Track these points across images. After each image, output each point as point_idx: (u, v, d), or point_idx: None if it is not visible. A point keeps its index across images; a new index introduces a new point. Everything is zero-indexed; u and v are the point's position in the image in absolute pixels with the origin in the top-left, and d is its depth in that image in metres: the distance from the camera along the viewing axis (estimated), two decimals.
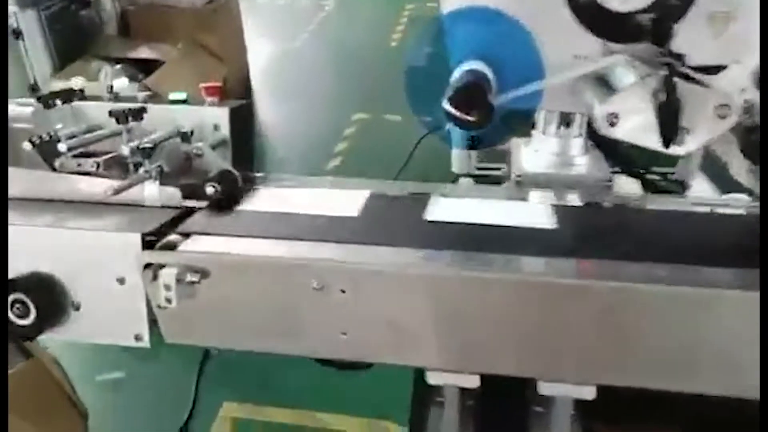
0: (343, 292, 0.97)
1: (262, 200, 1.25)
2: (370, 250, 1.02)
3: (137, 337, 1.12)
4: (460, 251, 1.00)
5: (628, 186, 1.55)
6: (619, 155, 1.60)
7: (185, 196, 1.22)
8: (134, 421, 2.27)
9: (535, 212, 1.18)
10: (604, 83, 1.09)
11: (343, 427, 2.24)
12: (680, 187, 1.55)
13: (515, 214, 1.17)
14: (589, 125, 1.46)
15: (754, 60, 1.05)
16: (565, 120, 1.43)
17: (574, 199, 1.26)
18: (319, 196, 1.29)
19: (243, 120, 1.50)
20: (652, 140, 0.90)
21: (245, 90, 5.08)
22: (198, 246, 1.05)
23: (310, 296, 0.98)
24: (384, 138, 4.22)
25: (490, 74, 1.08)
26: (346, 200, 1.25)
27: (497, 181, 1.73)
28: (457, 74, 1.10)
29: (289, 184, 1.36)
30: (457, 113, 0.94)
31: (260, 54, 5.54)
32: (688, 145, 0.90)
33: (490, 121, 0.95)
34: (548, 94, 1.15)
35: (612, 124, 0.91)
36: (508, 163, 1.60)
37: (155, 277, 1.00)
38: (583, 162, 1.46)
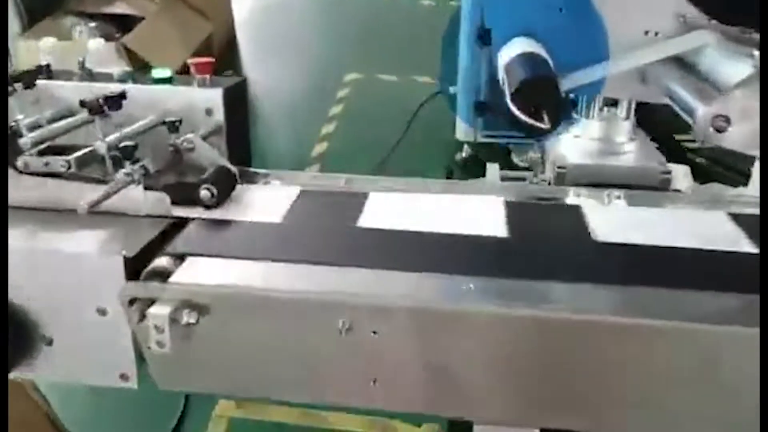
0: (375, 333, 0.79)
1: (266, 204, 1.06)
2: (410, 278, 0.83)
3: (123, 377, 0.94)
4: (521, 278, 0.82)
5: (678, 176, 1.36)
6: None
7: (175, 201, 1.02)
8: (127, 420, 2.12)
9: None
10: (685, 67, 0.90)
11: (346, 425, 2.10)
12: (744, 179, 1.35)
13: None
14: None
15: None
16: (610, 99, 1.24)
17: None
18: (334, 198, 1.09)
19: (239, 102, 1.29)
20: None
21: (231, 49, 4.79)
22: (195, 273, 0.85)
23: (334, 339, 0.79)
24: (380, 100, 3.99)
25: (547, 56, 0.88)
26: (370, 203, 1.06)
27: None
28: (505, 57, 0.89)
29: (294, 182, 1.16)
30: (525, 117, 0.75)
31: (245, 8, 5.22)
32: None
33: (566, 117, 0.75)
34: (611, 80, 0.96)
35: (719, 130, 0.72)
36: (542, 151, 1.41)
37: (142, 317, 0.81)
38: (632, 149, 1.28)
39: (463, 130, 3.09)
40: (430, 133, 3.36)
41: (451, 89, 3.28)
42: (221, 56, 4.60)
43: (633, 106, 1.23)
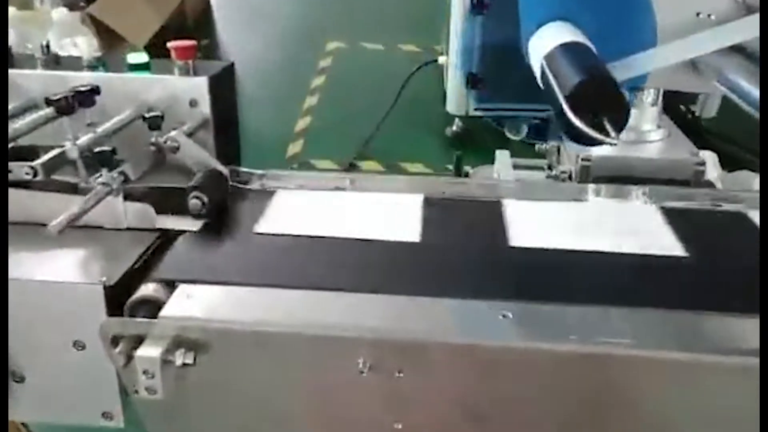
0: (400, 373, 0.68)
1: (264, 212, 0.93)
2: (440, 305, 0.72)
3: (106, 416, 0.82)
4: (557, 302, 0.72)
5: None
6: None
7: (160, 211, 0.90)
8: None
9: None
10: (742, 52, 0.78)
11: None
12: None
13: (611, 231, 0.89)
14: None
15: None
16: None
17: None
18: (341, 203, 0.97)
19: (226, 90, 1.15)
20: None
21: (206, 17, 4.56)
22: (190, 303, 0.73)
23: (354, 379, 0.68)
24: (365, 71, 3.82)
25: (590, 43, 0.76)
26: (381, 210, 0.94)
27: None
28: (539, 46, 0.77)
29: (293, 183, 1.03)
30: (584, 125, 0.63)
31: None
32: None
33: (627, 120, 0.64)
34: (658, 69, 0.84)
35: None
36: (560, 140, 1.29)
37: (129, 360, 0.70)
38: (659, 137, 1.17)
39: (454, 103, 2.97)
40: (420, 106, 3.22)
41: (440, 60, 3.15)
42: (196, 25, 4.39)
43: (661, 90, 1.12)
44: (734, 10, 0.81)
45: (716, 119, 2.47)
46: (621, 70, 0.79)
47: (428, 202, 0.95)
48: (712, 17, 0.81)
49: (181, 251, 0.83)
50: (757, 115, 0.70)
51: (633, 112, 1.16)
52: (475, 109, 2.95)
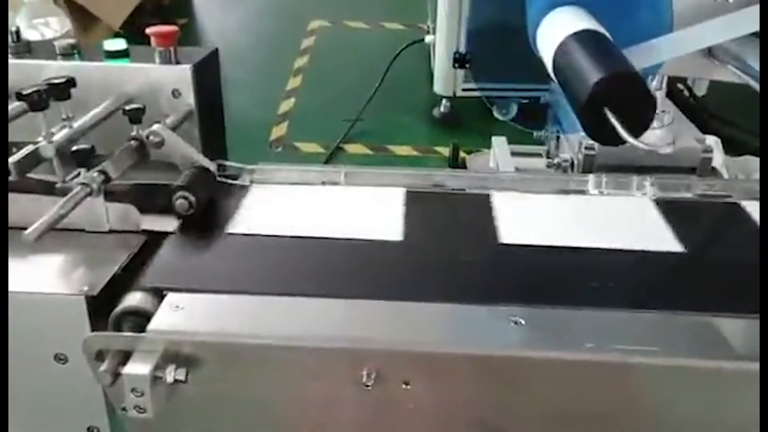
0: (407, 385, 0.64)
1: (255, 210, 0.88)
2: (446, 311, 0.68)
3: (92, 430, 0.77)
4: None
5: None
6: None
7: (144, 210, 0.84)
8: None
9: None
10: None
11: None
12: None
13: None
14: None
15: None
16: None
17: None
18: (332, 200, 0.92)
19: (210, 78, 1.08)
20: None
21: None
22: (180, 315, 0.68)
23: (358, 392, 0.64)
24: (349, 50, 3.74)
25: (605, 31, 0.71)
26: (371, 206, 0.89)
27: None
28: (550, 34, 0.72)
29: (282, 177, 0.98)
30: (595, 129, 0.58)
31: None
32: None
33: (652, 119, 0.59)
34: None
35: None
36: (559, 127, 1.24)
37: (116, 377, 0.65)
38: (664, 123, 1.13)
39: (441, 84, 2.91)
40: (406, 87, 3.16)
41: (427, 39, 3.09)
42: (173, 3, 4.26)
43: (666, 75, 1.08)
44: None
45: (705, 98, 2.44)
46: (638, 58, 0.74)
47: (419, 198, 0.90)
48: (730, 0, 0.77)
49: (168, 256, 0.78)
50: None
51: None
52: (464, 90, 2.91)
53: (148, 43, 1.03)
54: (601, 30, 0.69)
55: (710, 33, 0.72)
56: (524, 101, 2.83)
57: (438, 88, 2.89)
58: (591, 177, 0.99)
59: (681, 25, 0.77)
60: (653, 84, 1.11)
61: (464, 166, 1.78)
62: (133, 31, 2.97)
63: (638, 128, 0.58)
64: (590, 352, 0.63)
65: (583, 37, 0.66)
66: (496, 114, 2.93)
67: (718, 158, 1.20)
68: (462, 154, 1.97)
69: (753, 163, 1.25)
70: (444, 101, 2.96)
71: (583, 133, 1.11)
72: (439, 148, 2.84)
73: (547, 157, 1.29)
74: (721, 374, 0.63)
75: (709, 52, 0.78)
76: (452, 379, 0.63)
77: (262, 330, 0.65)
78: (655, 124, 1.13)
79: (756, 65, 0.70)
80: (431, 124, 3.03)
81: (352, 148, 2.88)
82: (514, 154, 1.36)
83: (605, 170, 1.05)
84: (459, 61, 2.78)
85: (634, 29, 0.77)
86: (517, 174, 1.16)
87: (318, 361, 0.64)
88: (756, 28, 0.71)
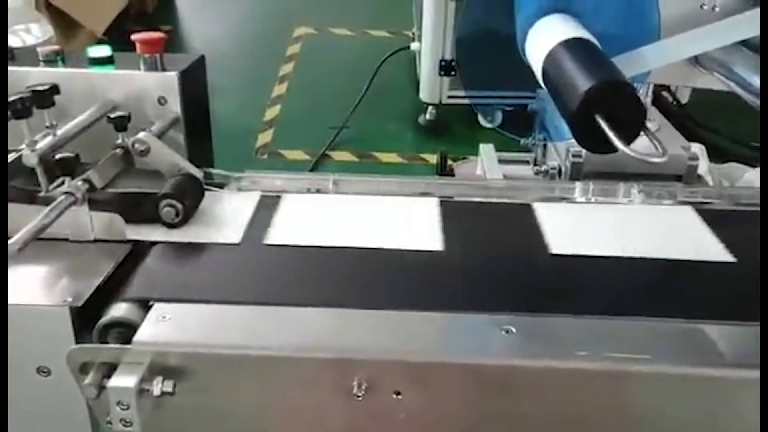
0: (398, 395, 0.64)
1: (244, 218, 0.87)
2: (437, 320, 0.68)
3: None
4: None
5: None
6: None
7: (130, 220, 0.83)
8: None
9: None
10: (748, 47, 0.74)
11: None
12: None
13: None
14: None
15: None
16: None
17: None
18: (322, 206, 0.91)
19: (197, 85, 1.08)
20: None
21: (167, 2, 4.41)
22: (167, 326, 0.67)
23: (348, 403, 0.63)
24: (335, 57, 3.74)
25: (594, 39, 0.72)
26: (361, 211, 0.89)
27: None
28: (539, 42, 0.72)
29: (269, 185, 0.97)
30: (585, 137, 0.58)
31: None
32: None
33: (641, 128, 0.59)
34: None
35: None
36: (546, 134, 1.25)
37: (101, 390, 0.63)
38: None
39: (427, 91, 2.92)
40: (392, 94, 3.16)
41: (413, 46, 3.09)
42: (157, 10, 4.24)
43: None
44: (739, 2, 0.77)
45: (688, 106, 2.47)
46: (626, 66, 0.75)
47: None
48: (717, 9, 0.77)
49: (154, 265, 0.76)
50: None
51: None
52: (449, 97, 2.91)
53: (133, 50, 1.02)
54: (591, 38, 0.70)
55: (697, 42, 0.72)
56: (509, 109, 2.85)
57: (424, 95, 2.90)
58: (578, 184, 0.99)
59: (668, 34, 0.77)
60: (639, 92, 1.12)
61: (452, 174, 1.79)
62: (117, 37, 2.94)
63: (628, 136, 0.58)
64: (581, 360, 0.62)
65: (572, 45, 0.66)
66: (481, 121, 2.94)
67: (704, 165, 1.21)
68: (450, 162, 1.98)
69: (736, 170, 1.26)
70: (430, 108, 2.96)
71: (570, 141, 1.12)
72: (425, 155, 2.85)
73: (535, 165, 1.30)
74: (714, 382, 0.63)
75: (696, 60, 0.79)
76: (443, 389, 0.63)
77: (250, 340, 0.64)
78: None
79: (741, 72, 0.71)
80: (417, 131, 3.03)
81: (338, 155, 2.87)
82: (501, 161, 1.36)
83: (592, 177, 1.05)
84: (445, 68, 2.79)
85: (622, 37, 0.77)
86: (508, 181, 1.17)
87: (308, 372, 0.64)
88: (742, 36, 0.71)
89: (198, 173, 0.91)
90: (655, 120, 1.15)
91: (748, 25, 0.72)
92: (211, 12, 4.43)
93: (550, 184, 1.14)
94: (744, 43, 0.75)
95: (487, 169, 1.34)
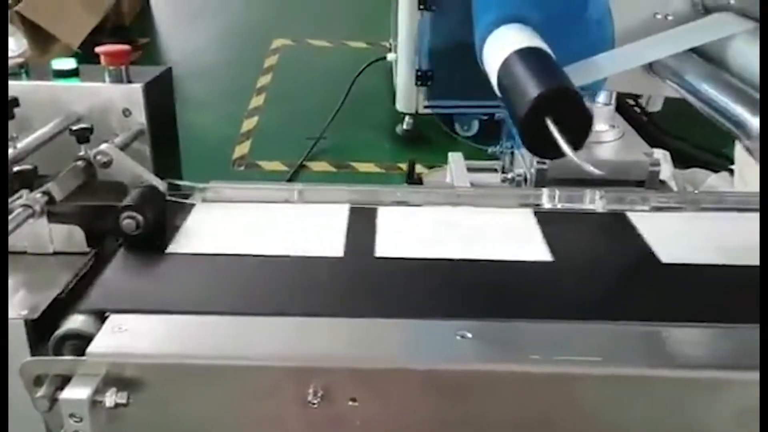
0: (354, 401, 0.64)
1: (205, 230, 0.87)
2: (392, 326, 0.68)
3: None
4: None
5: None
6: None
7: (90, 233, 0.83)
8: None
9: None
10: (704, 56, 0.76)
11: None
12: (722, 159, 1.25)
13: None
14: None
15: None
16: None
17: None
18: (283, 217, 0.92)
19: (163, 97, 1.08)
20: None
21: (144, 14, 4.41)
22: (121, 337, 0.67)
23: (304, 411, 0.63)
24: (312, 68, 3.75)
25: (548, 48, 0.73)
26: (330, 221, 0.89)
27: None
28: (495, 52, 0.73)
29: (234, 195, 0.97)
30: (534, 144, 0.60)
31: None
32: None
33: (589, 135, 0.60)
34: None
35: None
36: (512, 142, 1.26)
37: (53, 403, 0.63)
38: (613, 137, 1.15)
39: (403, 101, 2.93)
40: (370, 104, 3.17)
41: (389, 57, 3.11)
42: (134, 23, 4.23)
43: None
44: (691, 11, 0.78)
45: (660, 114, 2.51)
46: (579, 74, 0.76)
47: (357, 212, 0.91)
48: (670, 18, 0.79)
49: (111, 277, 0.76)
50: (712, 116, 0.68)
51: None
52: (425, 107, 2.93)
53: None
54: (544, 47, 0.71)
55: (649, 50, 0.74)
56: (485, 118, 2.87)
57: (400, 105, 2.91)
58: (545, 191, 1.00)
59: (623, 43, 0.78)
60: (602, 100, 1.14)
61: (421, 182, 1.80)
62: (92, 51, 2.94)
63: (576, 142, 0.59)
64: (536, 363, 0.63)
65: (525, 53, 0.67)
66: (458, 131, 2.96)
67: (667, 171, 1.23)
68: (425, 170, 1.99)
69: (700, 174, 1.28)
70: (407, 118, 2.98)
71: None
72: (402, 165, 2.86)
73: (503, 172, 1.31)
74: (667, 383, 0.63)
75: (650, 68, 0.80)
76: (399, 395, 0.63)
77: (205, 350, 0.64)
78: (605, 137, 1.16)
79: (692, 80, 0.72)
80: (394, 141, 3.05)
81: (316, 166, 2.88)
82: (470, 169, 1.37)
83: (556, 184, 1.06)
84: (421, 78, 2.80)
85: (577, 46, 0.78)
86: (475, 189, 1.18)
87: (263, 380, 0.64)
88: (693, 44, 0.73)
89: (161, 184, 0.91)
90: (619, 127, 1.17)
91: (699, 33, 0.74)
92: (190, 25, 4.43)
93: (516, 191, 1.15)
94: (695, 50, 0.76)
95: (455, 177, 1.35)
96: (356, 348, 0.65)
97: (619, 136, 1.14)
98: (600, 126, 1.15)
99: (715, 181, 1.26)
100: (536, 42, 0.72)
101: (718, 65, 0.72)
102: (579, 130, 0.59)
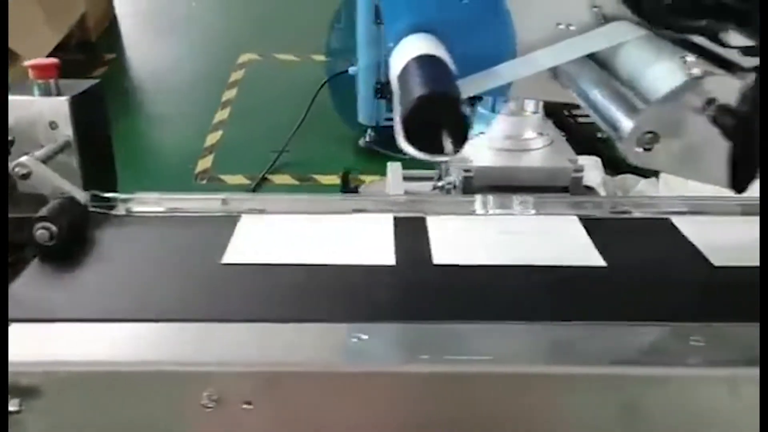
0: (249, 404, 0.65)
1: (118, 240, 0.88)
2: (289, 330, 0.69)
3: None
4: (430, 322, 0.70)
5: (588, 168, 1.28)
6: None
7: (10, 245, 0.83)
8: None
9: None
10: (602, 65, 0.79)
11: None
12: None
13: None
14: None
15: None
16: None
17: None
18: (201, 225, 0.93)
19: (94, 110, 1.08)
20: (708, 175, 0.62)
21: (111, 30, 4.41)
22: (18, 347, 0.67)
23: (198, 415, 0.64)
24: (278, 82, 3.77)
25: (447, 56, 0.75)
26: (242, 229, 0.90)
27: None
28: (399, 59, 0.75)
29: (159, 206, 0.98)
30: (417, 149, 0.62)
31: None
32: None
33: (466, 141, 0.63)
34: (520, 80, 0.84)
35: (648, 148, 0.61)
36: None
37: None
38: (541, 145, 1.18)
39: (365, 114, 2.95)
40: (334, 117, 3.18)
41: (350, 70, 3.13)
42: (101, 39, 4.23)
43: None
44: (593, 20, 0.81)
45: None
46: (481, 82, 0.78)
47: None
48: (572, 28, 0.81)
49: (20, 286, 0.77)
50: (596, 119, 0.70)
51: (514, 120, 1.17)
52: (386, 119, 2.96)
53: (62, 77, 1.04)
54: (442, 55, 0.73)
55: (544, 58, 0.76)
56: None
57: (362, 118, 2.93)
58: (478, 197, 1.03)
59: (526, 52, 0.81)
60: (530, 108, 1.17)
61: (356, 192, 1.81)
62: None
63: (455, 144, 0.61)
64: (425, 363, 0.64)
65: (419, 61, 0.69)
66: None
67: (597, 177, 1.25)
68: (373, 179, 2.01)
69: (630, 180, 1.31)
70: (369, 131, 3.00)
71: (463, 156, 1.16)
72: (364, 177, 2.88)
73: (438, 180, 1.33)
74: (550, 380, 0.65)
75: (556, 76, 0.83)
76: (292, 397, 0.64)
77: (96, 356, 0.65)
78: (532, 145, 1.18)
79: (582, 85, 0.75)
80: (357, 153, 3.06)
81: (279, 179, 2.89)
82: (408, 178, 1.39)
83: (482, 191, 1.08)
84: (380, 91, 2.83)
85: (482, 57, 0.80)
86: (408, 196, 1.20)
87: (155, 385, 0.65)
88: (585, 52, 0.75)
89: (81, 195, 0.92)
90: (548, 134, 1.20)
91: (593, 41, 0.76)
92: (158, 40, 4.44)
93: (448, 198, 1.17)
94: (593, 58, 0.79)
95: (392, 187, 1.37)
96: (250, 351, 0.66)
97: (548, 143, 1.17)
98: (528, 134, 1.17)
99: (643, 186, 1.30)
100: (435, 50, 0.74)
101: (609, 71, 0.74)
102: (457, 132, 0.61)
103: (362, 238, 0.88)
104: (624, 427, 0.65)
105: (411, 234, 0.90)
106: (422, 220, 0.94)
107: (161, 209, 0.98)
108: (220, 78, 3.77)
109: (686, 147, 0.61)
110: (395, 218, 0.95)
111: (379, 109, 2.86)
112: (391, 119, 2.88)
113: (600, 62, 0.78)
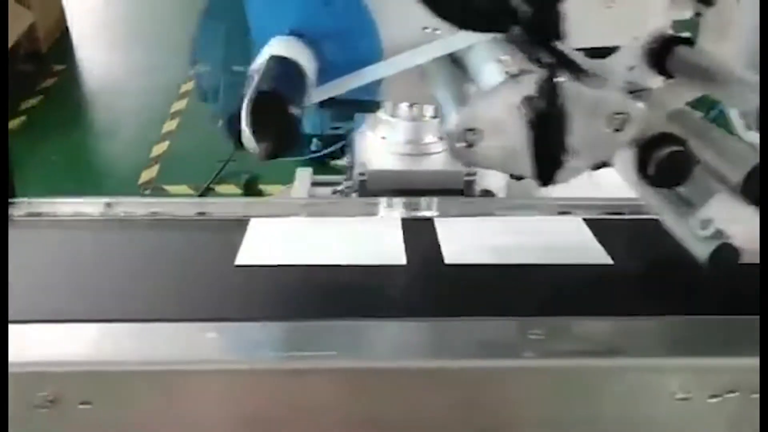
0: (87, 404, 0.65)
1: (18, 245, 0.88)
2: (144, 329, 0.70)
3: None
4: (290, 320, 0.71)
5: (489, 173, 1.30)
6: None
7: None
8: None
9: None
10: (459, 67, 0.81)
11: None
12: None
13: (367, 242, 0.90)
14: None
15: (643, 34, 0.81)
16: None
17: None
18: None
19: None
20: (525, 168, 0.63)
21: (62, 41, 4.37)
22: None
23: (36, 416, 0.64)
24: None
25: (307, 60, 0.77)
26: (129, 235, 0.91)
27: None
28: (258, 62, 0.77)
29: (54, 210, 0.98)
30: (248, 140, 0.63)
31: None
32: (569, 173, 0.64)
33: (296, 143, 0.64)
34: (390, 83, 0.85)
35: (470, 144, 0.63)
36: (351, 155, 1.30)
37: None
38: (440, 149, 1.20)
39: (309, 123, 2.95)
40: None
41: None
42: (51, 49, 4.19)
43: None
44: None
45: None
46: (347, 83, 0.80)
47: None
48: (438, 32, 0.83)
49: None
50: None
51: (412, 124, 1.19)
52: (331, 128, 2.96)
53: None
54: (296, 59, 0.74)
55: (404, 59, 0.78)
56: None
57: (307, 126, 2.93)
58: (383, 200, 1.04)
59: (392, 53, 0.83)
60: (429, 112, 1.19)
61: None
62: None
63: (283, 151, 0.63)
64: (270, 361, 0.65)
65: (273, 62, 0.71)
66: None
67: (501, 180, 1.27)
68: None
69: (534, 185, 1.33)
70: (315, 140, 3.00)
71: (359, 161, 1.17)
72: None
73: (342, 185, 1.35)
74: (393, 375, 0.66)
75: (424, 78, 0.84)
76: (131, 396, 0.64)
77: None
78: (432, 149, 1.20)
79: (437, 90, 0.77)
80: (305, 162, 3.06)
81: (223, 189, 2.88)
82: (315, 184, 1.41)
83: (378, 194, 1.10)
84: (324, 100, 2.83)
85: (349, 61, 0.82)
86: (311, 199, 1.21)
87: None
88: (439, 53, 0.77)
89: None
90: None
91: (447, 44, 0.78)
92: (111, 51, 4.41)
93: (354, 201, 1.19)
94: (455, 61, 0.81)
95: (299, 192, 1.38)
96: (89, 350, 0.66)
97: (446, 147, 1.19)
98: (428, 138, 1.19)
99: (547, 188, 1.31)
100: (292, 53, 0.75)
101: (464, 71, 0.77)
102: (287, 133, 0.63)
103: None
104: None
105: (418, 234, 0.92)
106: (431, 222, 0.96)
107: (58, 214, 0.98)
108: (171, 89, 3.75)
109: (504, 143, 0.63)
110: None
111: (323, 118, 2.87)
112: (337, 127, 2.91)
113: (459, 64, 0.80)
